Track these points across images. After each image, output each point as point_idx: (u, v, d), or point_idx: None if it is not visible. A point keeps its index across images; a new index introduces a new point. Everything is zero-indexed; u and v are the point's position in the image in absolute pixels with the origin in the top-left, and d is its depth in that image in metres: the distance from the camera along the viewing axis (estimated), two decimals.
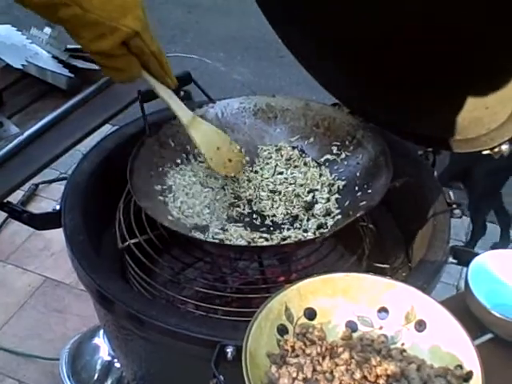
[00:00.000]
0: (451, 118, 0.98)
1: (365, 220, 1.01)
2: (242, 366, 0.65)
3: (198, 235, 0.93)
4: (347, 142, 1.06)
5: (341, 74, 1.15)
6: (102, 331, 1.56)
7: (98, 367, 1.53)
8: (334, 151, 1.07)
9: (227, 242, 0.93)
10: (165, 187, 1.01)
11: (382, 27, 0.97)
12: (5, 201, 0.98)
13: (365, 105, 1.12)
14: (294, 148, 1.11)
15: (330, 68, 1.15)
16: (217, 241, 0.93)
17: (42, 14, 0.82)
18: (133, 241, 0.97)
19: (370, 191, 0.97)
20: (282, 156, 1.10)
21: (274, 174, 1.07)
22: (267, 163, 1.09)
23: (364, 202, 0.94)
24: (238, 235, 0.94)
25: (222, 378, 0.73)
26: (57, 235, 1.87)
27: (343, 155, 1.06)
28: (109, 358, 1.53)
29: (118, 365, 1.51)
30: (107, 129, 1.14)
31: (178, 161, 1.06)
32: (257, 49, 3.04)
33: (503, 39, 0.83)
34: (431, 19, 0.90)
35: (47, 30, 1.28)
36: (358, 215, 0.90)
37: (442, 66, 0.95)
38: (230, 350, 0.78)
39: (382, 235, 1.05)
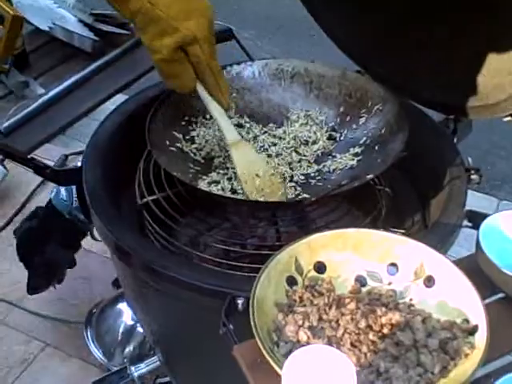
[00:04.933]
0: (473, 85, 0.97)
1: (381, 183, 1.01)
2: (249, 310, 0.67)
3: (200, 183, 0.95)
4: (373, 115, 1.06)
5: (364, 43, 1.14)
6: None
7: (121, 331, 1.56)
8: (361, 122, 1.07)
9: (228, 194, 0.94)
10: (187, 137, 1.03)
11: None
12: (29, 157, 1.01)
13: (386, 73, 1.12)
14: (323, 115, 1.11)
15: (354, 36, 1.15)
16: (219, 192, 0.94)
17: (116, 6, 0.88)
18: (151, 198, 0.98)
19: (379, 161, 0.97)
20: (310, 122, 1.10)
21: (296, 138, 1.07)
22: (293, 126, 1.10)
23: (370, 175, 0.94)
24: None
25: (231, 326, 0.75)
26: None
27: (367, 126, 1.06)
28: (131, 323, 1.56)
29: (140, 329, 1.54)
30: (123, 99, 1.15)
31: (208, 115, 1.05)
32: (288, 28, 3.02)
33: None
34: None
35: None
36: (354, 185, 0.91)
37: (466, 30, 0.94)
38: (240, 301, 0.79)
39: (399, 200, 1.05)
